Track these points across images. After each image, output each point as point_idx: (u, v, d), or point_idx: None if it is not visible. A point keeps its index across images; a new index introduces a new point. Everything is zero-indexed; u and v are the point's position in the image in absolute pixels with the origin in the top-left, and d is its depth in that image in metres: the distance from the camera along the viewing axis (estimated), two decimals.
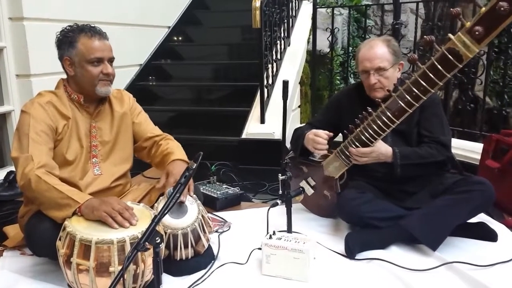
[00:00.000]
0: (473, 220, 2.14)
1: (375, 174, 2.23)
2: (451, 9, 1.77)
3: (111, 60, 2.00)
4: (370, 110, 2.07)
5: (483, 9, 1.64)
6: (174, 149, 2.11)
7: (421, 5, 5.29)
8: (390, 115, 1.99)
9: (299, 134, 2.40)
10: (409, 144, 2.21)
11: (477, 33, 1.67)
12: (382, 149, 2.11)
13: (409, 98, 1.92)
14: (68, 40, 1.94)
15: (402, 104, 1.95)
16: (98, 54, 1.94)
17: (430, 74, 1.84)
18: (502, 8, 1.60)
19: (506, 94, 3.61)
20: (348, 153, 2.17)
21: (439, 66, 1.81)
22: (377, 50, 2.17)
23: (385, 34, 4.53)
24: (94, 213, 1.70)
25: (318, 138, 2.26)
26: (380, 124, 2.03)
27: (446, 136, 2.20)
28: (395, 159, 2.11)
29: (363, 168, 2.20)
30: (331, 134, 2.29)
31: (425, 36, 1.90)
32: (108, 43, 2.00)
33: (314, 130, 2.31)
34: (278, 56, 4.15)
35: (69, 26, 1.99)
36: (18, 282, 1.86)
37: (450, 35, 1.77)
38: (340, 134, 2.46)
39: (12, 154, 1.84)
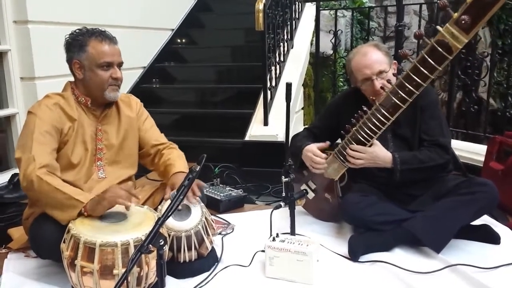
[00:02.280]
0: (477, 222, 2.13)
1: (377, 178, 2.22)
2: (439, 1, 1.79)
3: (120, 64, 2.01)
4: (365, 109, 2.07)
5: None
6: (176, 160, 2.11)
7: (424, 6, 5.29)
8: (384, 112, 2.00)
9: (297, 147, 2.37)
10: (412, 149, 2.19)
11: (463, 22, 1.69)
12: (380, 153, 2.10)
13: (402, 93, 1.94)
14: (78, 43, 1.94)
15: (396, 100, 1.96)
16: (108, 59, 1.94)
17: (421, 68, 1.86)
18: None
19: (510, 95, 3.60)
20: (346, 154, 2.17)
21: (429, 59, 1.83)
22: (372, 55, 2.15)
23: (388, 36, 4.55)
24: (101, 204, 1.71)
25: (317, 158, 2.25)
26: (375, 121, 2.03)
27: (445, 137, 2.17)
28: (395, 164, 2.09)
29: (364, 172, 2.19)
30: (328, 144, 2.28)
31: (415, 31, 1.92)
32: (118, 48, 2.01)
33: (312, 148, 2.28)
34: (281, 58, 4.15)
35: (78, 29, 1.99)
36: (22, 284, 1.87)
37: (438, 27, 1.79)
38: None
39: (16, 154, 1.85)
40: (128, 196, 1.74)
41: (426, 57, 1.83)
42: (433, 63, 1.82)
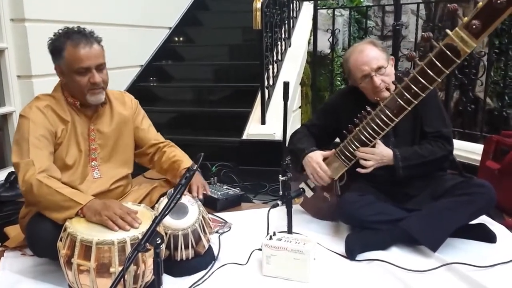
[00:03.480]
0: (473, 221, 2.13)
1: (376, 177, 2.22)
2: (449, 5, 1.79)
3: (100, 66, 1.92)
4: (369, 109, 2.07)
5: (480, 3, 1.67)
6: (182, 157, 2.12)
7: (422, 6, 5.31)
8: (389, 113, 2.00)
9: (298, 148, 2.36)
10: (414, 144, 2.19)
11: (474, 27, 1.69)
12: (384, 151, 2.11)
13: (408, 95, 1.93)
14: (56, 48, 1.90)
15: (401, 102, 1.96)
16: (84, 64, 1.87)
17: (428, 71, 1.85)
18: (498, 2, 1.62)
19: (507, 95, 3.62)
20: (348, 154, 2.17)
21: (437, 62, 1.82)
22: (369, 52, 2.15)
23: (385, 35, 4.56)
24: (96, 217, 1.70)
25: (322, 173, 2.23)
26: (379, 122, 2.03)
27: (447, 127, 2.19)
28: (396, 161, 2.10)
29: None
30: (334, 152, 2.25)
31: (423, 33, 1.91)
32: (97, 48, 1.91)
33: (318, 159, 2.25)
34: (279, 57, 4.16)
35: (59, 30, 1.94)
36: (19, 282, 1.87)
37: (448, 31, 1.79)
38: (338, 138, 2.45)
39: (13, 159, 1.84)
40: (122, 224, 1.68)
41: (434, 60, 1.82)
42: (440, 66, 1.81)
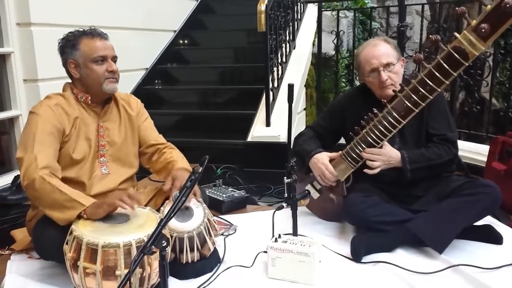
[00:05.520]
0: (479, 222, 2.13)
1: (381, 178, 2.22)
2: (456, 8, 1.79)
3: (114, 58, 2.03)
4: (376, 111, 2.07)
5: (489, 6, 1.67)
6: (178, 158, 2.15)
7: (426, 7, 5.29)
8: (396, 115, 2.00)
9: (304, 150, 2.36)
10: (418, 145, 2.19)
11: (483, 30, 1.69)
12: (392, 153, 2.11)
13: (415, 98, 1.93)
14: (70, 43, 1.99)
15: (409, 104, 1.95)
16: (101, 53, 1.98)
17: (437, 73, 1.85)
18: (508, 5, 1.63)
19: None
20: (354, 155, 2.17)
21: (445, 65, 1.83)
22: (382, 47, 2.17)
23: (390, 36, 4.55)
24: (103, 207, 1.73)
25: (329, 174, 2.25)
26: (387, 124, 2.03)
27: (453, 132, 2.19)
28: (404, 164, 2.09)
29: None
30: (340, 154, 2.26)
31: (430, 36, 1.92)
32: (109, 43, 2.04)
33: (324, 161, 2.27)
34: (284, 59, 4.16)
35: (69, 32, 2.03)
36: (25, 285, 1.87)
37: (456, 34, 1.79)
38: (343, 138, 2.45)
39: (17, 154, 1.86)
40: (128, 200, 1.74)
41: (442, 62, 1.83)
42: (448, 69, 1.82)
